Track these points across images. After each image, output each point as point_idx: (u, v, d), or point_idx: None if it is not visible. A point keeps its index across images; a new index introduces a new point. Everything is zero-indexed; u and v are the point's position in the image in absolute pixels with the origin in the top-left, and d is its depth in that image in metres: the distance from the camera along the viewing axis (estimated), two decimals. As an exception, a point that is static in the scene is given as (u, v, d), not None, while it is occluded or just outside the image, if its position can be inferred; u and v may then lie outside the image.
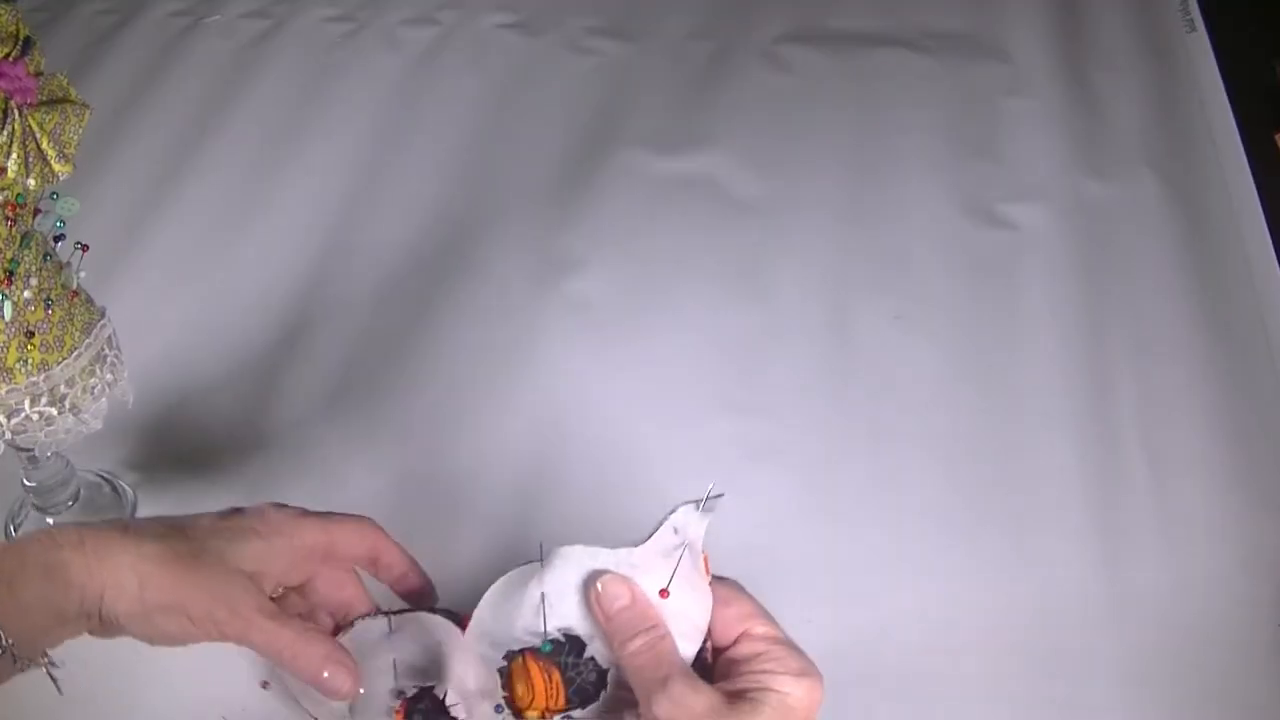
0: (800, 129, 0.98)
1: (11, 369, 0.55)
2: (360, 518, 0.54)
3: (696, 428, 0.76)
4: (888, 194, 0.92)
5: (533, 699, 0.49)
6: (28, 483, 0.67)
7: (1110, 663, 0.65)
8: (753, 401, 0.78)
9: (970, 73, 1.02)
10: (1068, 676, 0.64)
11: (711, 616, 0.48)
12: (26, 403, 0.56)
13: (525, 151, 0.97)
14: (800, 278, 0.86)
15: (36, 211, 0.55)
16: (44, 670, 0.46)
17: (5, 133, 0.49)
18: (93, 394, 0.60)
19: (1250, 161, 0.92)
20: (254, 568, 0.49)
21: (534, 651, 0.49)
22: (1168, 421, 0.76)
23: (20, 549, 0.46)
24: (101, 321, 0.60)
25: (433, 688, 0.50)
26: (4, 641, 0.44)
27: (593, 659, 0.49)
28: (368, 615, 0.53)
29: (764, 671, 0.45)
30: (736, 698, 0.44)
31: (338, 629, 0.53)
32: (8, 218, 0.52)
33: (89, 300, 0.60)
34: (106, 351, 0.60)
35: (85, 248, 0.59)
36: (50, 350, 0.57)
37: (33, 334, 0.55)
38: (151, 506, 0.72)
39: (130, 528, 0.48)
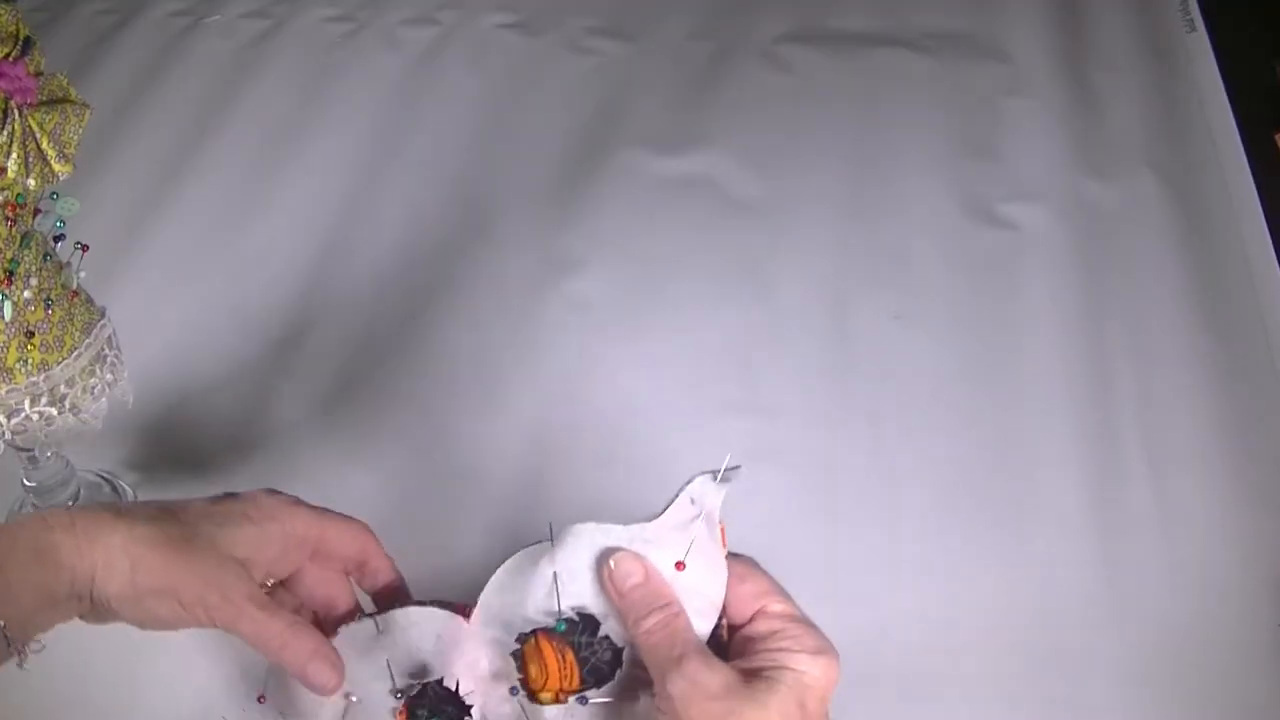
0: (800, 129, 0.98)
1: (11, 369, 0.55)
2: (355, 520, 0.54)
3: (696, 427, 0.76)
4: (888, 194, 0.92)
5: (546, 680, 0.48)
6: (28, 483, 0.67)
7: (1110, 663, 0.65)
8: (753, 401, 0.78)
9: (970, 73, 1.02)
10: (1068, 676, 0.64)
11: (727, 593, 0.47)
12: (26, 403, 0.56)
13: (525, 151, 0.97)
14: (800, 278, 0.86)
15: (36, 211, 0.55)
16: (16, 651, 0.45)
17: (5, 133, 0.49)
18: (93, 394, 0.60)
19: (1250, 161, 0.92)
20: (245, 553, 0.49)
21: (547, 632, 0.48)
22: (1167, 421, 0.76)
23: (11, 531, 0.46)
24: (101, 321, 0.60)
25: (439, 680, 0.50)
26: None
27: (607, 638, 0.48)
28: (353, 620, 0.52)
29: (780, 650, 0.44)
30: (752, 676, 0.43)
31: (323, 632, 0.52)
32: (8, 218, 0.52)
33: (89, 300, 0.60)
34: (106, 351, 0.60)
35: (85, 248, 0.59)
36: (50, 350, 0.57)
37: (33, 334, 0.55)
38: (151, 506, 0.72)
39: (122, 510, 0.48)
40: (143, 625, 0.48)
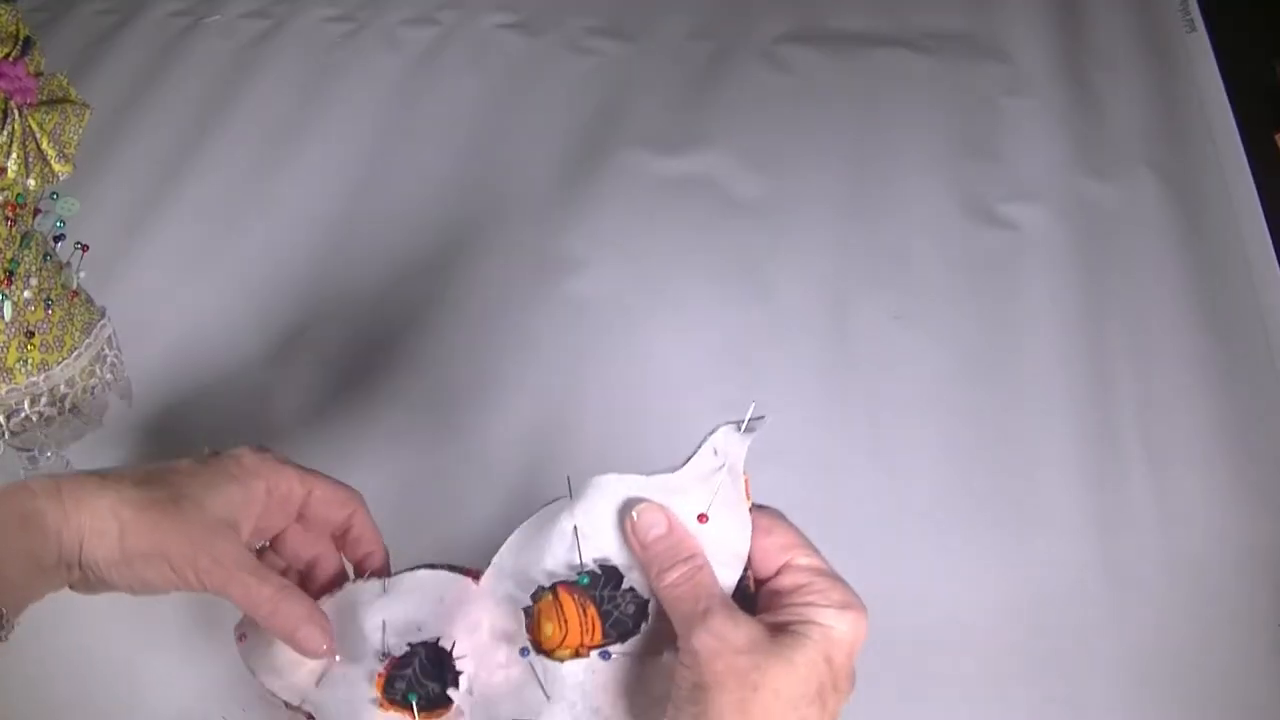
0: (800, 129, 0.98)
1: (11, 369, 0.55)
2: (346, 485, 0.53)
3: (696, 427, 0.76)
4: (887, 193, 0.92)
5: (565, 636, 0.46)
6: (28, 483, 0.67)
7: (1110, 663, 0.65)
8: (753, 401, 0.78)
9: (970, 73, 1.02)
10: (1068, 676, 0.64)
11: (752, 546, 0.45)
12: (26, 403, 0.56)
13: (525, 151, 0.97)
14: (800, 277, 0.86)
15: (36, 211, 0.55)
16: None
17: (5, 133, 0.49)
18: (93, 394, 0.60)
19: (1250, 161, 0.92)
20: (232, 513, 0.48)
21: (568, 585, 0.46)
22: (1168, 421, 0.76)
23: None
24: (101, 321, 0.60)
25: (435, 641, 0.49)
26: None
27: (632, 589, 0.46)
28: (359, 578, 0.51)
29: (807, 604, 0.43)
30: (778, 631, 0.42)
31: (323, 593, 0.52)
32: (8, 218, 0.52)
33: (89, 300, 0.60)
34: (106, 351, 0.60)
35: (85, 248, 0.59)
36: (50, 350, 0.57)
37: (33, 334, 0.55)
38: (151, 506, 0.72)
39: (108, 475, 0.47)
40: (133, 591, 0.48)
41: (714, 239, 0.89)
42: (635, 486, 0.46)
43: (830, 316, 0.84)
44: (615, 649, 0.46)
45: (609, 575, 0.46)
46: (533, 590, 0.47)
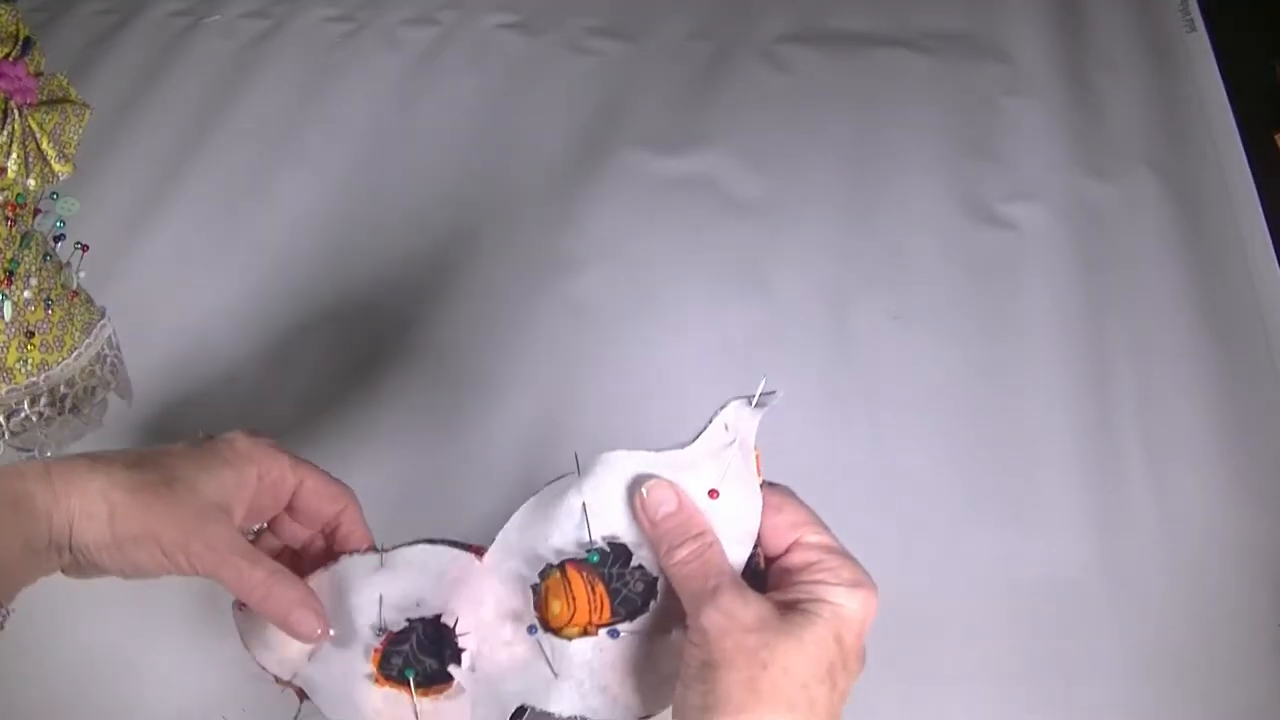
0: (800, 129, 0.98)
1: (11, 369, 0.55)
2: (340, 481, 0.52)
3: (696, 427, 0.76)
4: (887, 193, 0.92)
5: (573, 614, 0.46)
6: (28, 483, 0.67)
7: (1110, 663, 0.65)
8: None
9: (970, 73, 1.02)
10: (1068, 676, 0.64)
11: (762, 523, 0.45)
12: (26, 403, 0.56)
13: (525, 152, 0.97)
14: (800, 277, 0.86)
15: (36, 211, 0.55)
16: None
17: (5, 133, 0.49)
18: (93, 394, 0.60)
19: (1250, 161, 0.92)
20: (224, 497, 0.48)
21: (576, 563, 0.46)
22: (1167, 421, 0.76)
23: None
24: (101, 321, 0.60)
25: (437, 618, 0.48)
26: None
27: (640, 567, 0.46)
28: (357, 551, 0.50)
29: (817, 582, 0.43)
30: (788, 609, 0.42)
31: (318, 565, 0.51)
32: (8, 218, 0.52)
33: (89, 300, 0.60)
34: (106, 351, 0.60)
35: (85, 248, 0.59)
36: (50, 350, 0.57)
37: (33, 334, 0.55)
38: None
39: (99, 457, 0.47)
40: (124, 574, 0.47)
41: (714, 239, 0.89)
42: (645, 463, 0.46)
43: (830, 316, 0.84)
44: (624, 627, 0.46)
45: (617, 553, 0.46)
46: (540, 568, 0.47)
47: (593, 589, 0.45)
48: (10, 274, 0.53)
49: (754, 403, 0.46)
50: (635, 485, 0.46)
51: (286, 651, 0.49)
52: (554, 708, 0.46)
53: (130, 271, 0.87)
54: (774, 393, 0.46)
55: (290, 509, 0.52)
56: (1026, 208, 0.90)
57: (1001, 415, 0.77)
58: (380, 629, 0.48)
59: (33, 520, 0.44)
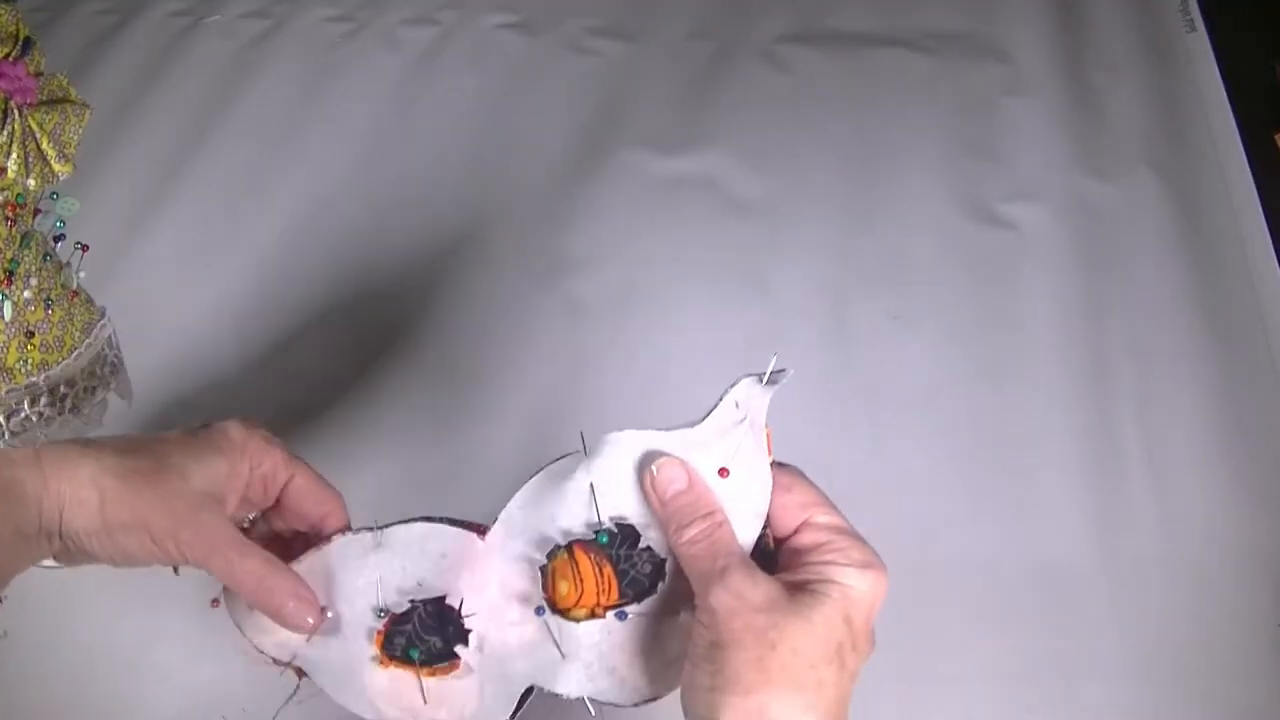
0: (800, 129, 0.98)
1: (11, 369, 0.55)
2: (330, 485, 0.52)
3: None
4: (887, 193, 0.92)
5: (581, 596, 0.45)
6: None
7: (1110, 663, 0.65)
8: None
9: (970, 73, 1.02)
10: (1068, 676, 0.64)
11: (772, 503, 0.45)
12: (26, 403, 0.56)
13: (525, 152, 0.97)
14: (800, 277, 0.86)
15: (36, 211, 0.55)
16: None
17: (5, 133, 0.49)
18: (93, 394, 0.60)
19: (1250, 161, 0.92)
20: (216, 486, 0.47)
21: (584, 544, 0.45)
22: (1167, 421, 0.76)
23: None
24: (101, 321, 0.60)
25: (436, 600, 0.48)
26: None
27: (648, 549, 0.45)
28: (350, 531, 0.50)
29: (826, 562, 0.42)
30: (797, 589, 0.42)
31: (311, 544, 0.50)
32: (8, 218, 0.52)
33: (89, 300, 0.60)
34: (106, 351, 0.60)
35: (85, 248, 0.59)
36: (50, 350, 0.57)
37: (33, 334, 0.55)
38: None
39: (90, 444, 0.46)
40: (114, 562, 0.47)
41: (714, 239, 0.89)
42: (654, 441, 0.45)
43: (830, 316, 0.84)
44: (631, 609, 0.45)
45: (625, 534, 0.46)
46: (547, 549, 0.46)
47: (600, 570, 0.45)
48: (10, 274, 0.53)
49: (764, 380, 0.45)
50: (644, 464, 0.45)
51: (284, 634, 0.48)
52: (561, 689, 0.46)
53: (130, 271, 0.87)
54: (785, 371, 0.45)
55: (277, 504, 0.51)
56: (1026, 208, 0.90)
57: (1001, 415, 0.77)
58: (382, 611, 0.48)
59: (23, 507, 0.44)
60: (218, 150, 0.97)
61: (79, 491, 0.45)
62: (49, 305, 0.56)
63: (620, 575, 0.45)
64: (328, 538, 0.50)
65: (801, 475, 0.46)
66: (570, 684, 0.46)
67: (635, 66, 1.05)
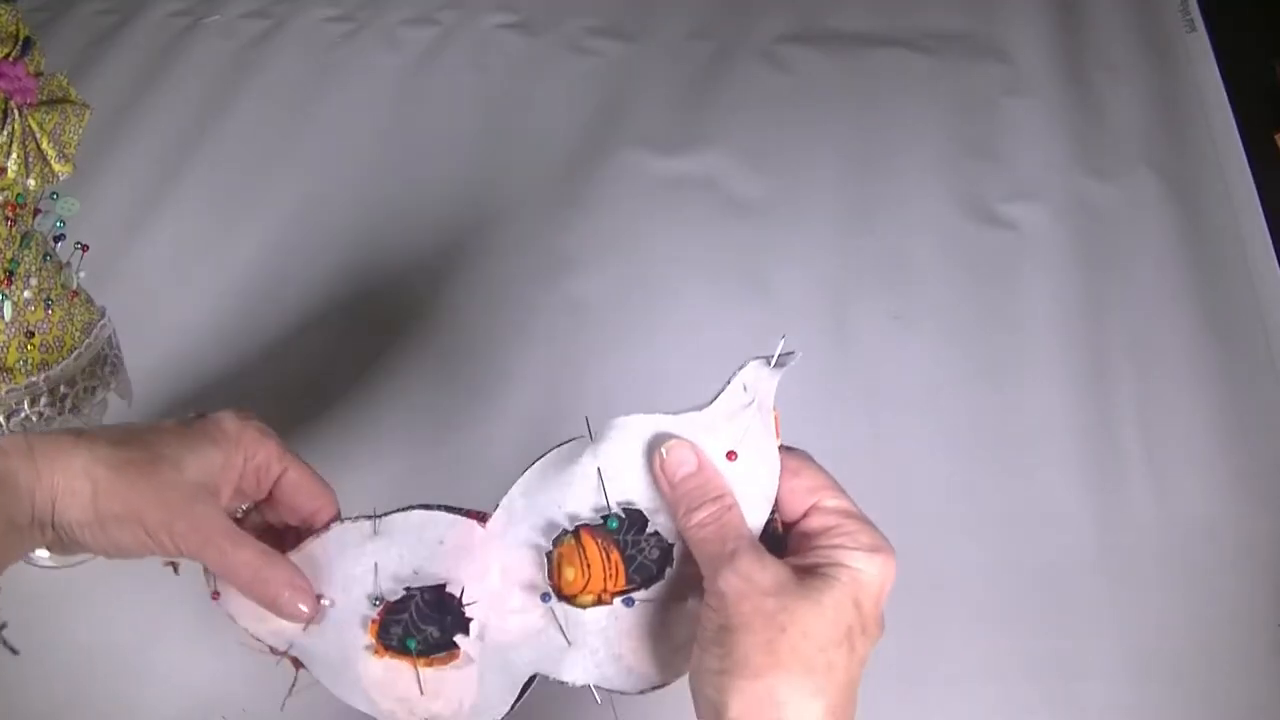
0: (800, 129, 0.98)
1: (11, 369, 0.55)
2: (324, 481, 0.51)
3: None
4: (887, 193, 0.92)
5: (587, 582, 0.45)
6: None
7: (1110, 663, 0.65)
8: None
9: (970, 73, 1.02)
10: (1068, 676, 0.64)
11: (780, 487, 0.44)
12: (26, 403, 0.56)
13: (525, 151, 0.97)
14: (800, 277, 0.86)
15: (36, 211, 0.55)
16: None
17: (5, 133, 0.49)
18: (93, 394, 0.60)
19: (1250, 161, 0.92)
20: (210, 477, 0.47)
21: (591, 529, 0.45)
22: (1168, 421, 0.76)
23: None
24: (101, 321, 0.60)
25: (435, 588, 0.47)
26: None
27: (656, 534, 0.45)
28: (348, 518, 0.49)
29: (835, 546, 0.42)
30: (806, 573, 0.41)
31: (306, 535, 0.49)
32: (8, 218, 0.52)
33: (89, 300, 0.60)
34: (106, 351, 0.60)
35: (85, 248, 0.59)
36: (50, 350, 0.57)
37: (33, 334, 0.55)
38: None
39: (83, 434, 0.46)
40: (106, 554, 0.46)
41: (714, 239, 0.89)
42: (662, 425, 0.45)
43: (830, 316, 0.84)
44: (639, 595, 0.45)
45: (633, 519, 0.45)
46: (554, 534, 0.46)
47: (608, 556, 0.45)
48: (10, 274, 0.53)
49: (772, 363, 0.45)
50: (652, 448, 0.45)
51: (279, 621, 0.48)
52: (567, 677, 0.46)
53: (130, 271, 0.87)
54: (793, 353, 0.45)
55: (270, 498, 0.51)
56: (1026, 208, 0.90)
57: (1001, 415, 0.77)
58: (377, 599, 0.47)
59: (15, 497, 0.44)
60: (218, 150, 0.97)
61: (72, 482, 0.44)
62: (49, 305, 0.56)
63: (628, 561, 0.45)
64: (326, 525, 0.49)
65: (810, 459, 0.46)
66: (576, 671, 0.45)
67: (635, 66, 1.05)
